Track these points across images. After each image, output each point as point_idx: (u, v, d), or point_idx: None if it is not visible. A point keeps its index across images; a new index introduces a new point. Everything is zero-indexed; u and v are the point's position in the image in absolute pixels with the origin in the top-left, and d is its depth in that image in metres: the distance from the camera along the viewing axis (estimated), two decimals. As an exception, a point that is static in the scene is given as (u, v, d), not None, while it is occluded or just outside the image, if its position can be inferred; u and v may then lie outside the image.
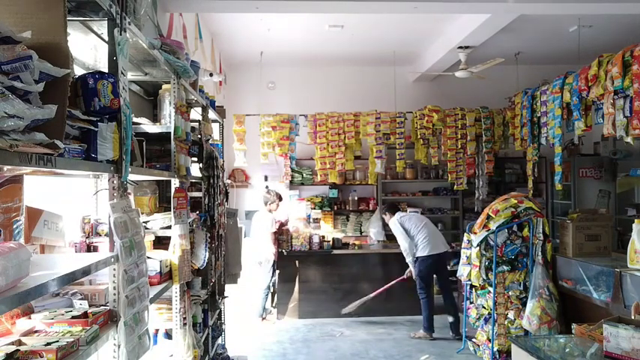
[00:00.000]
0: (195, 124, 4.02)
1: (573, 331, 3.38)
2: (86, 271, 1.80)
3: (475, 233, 5.32)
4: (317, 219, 8.38)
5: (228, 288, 5.38)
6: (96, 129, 1.89)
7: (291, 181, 8.23)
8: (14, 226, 1.85)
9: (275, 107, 7.93)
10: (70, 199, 2.60)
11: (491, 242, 5.20)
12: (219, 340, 4.93)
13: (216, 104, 5.13)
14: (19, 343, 1.68)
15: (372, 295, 6.73)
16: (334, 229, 8.50)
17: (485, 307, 5.35)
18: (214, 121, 4.92)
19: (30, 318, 1.89)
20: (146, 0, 2.62)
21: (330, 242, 7.30)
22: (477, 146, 7.75)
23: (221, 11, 6.04)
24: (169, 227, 3.13)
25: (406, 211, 7.72)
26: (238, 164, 7.64)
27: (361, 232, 8.55)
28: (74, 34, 2.27)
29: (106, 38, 2.13)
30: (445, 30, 7.05)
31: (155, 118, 3.49)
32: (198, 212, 3.88)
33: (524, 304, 5.06)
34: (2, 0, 1.66)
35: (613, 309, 4.11)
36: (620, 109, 4.66)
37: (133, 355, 2.07)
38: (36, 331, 1.81)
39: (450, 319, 6.23)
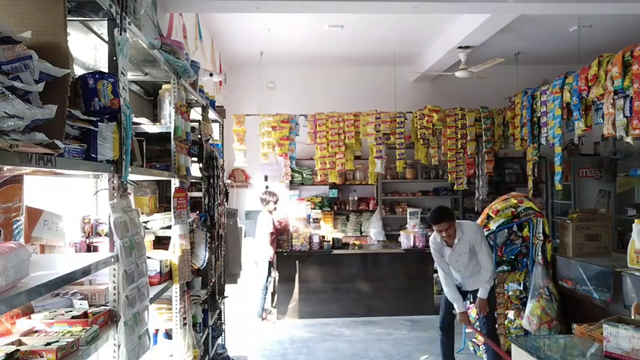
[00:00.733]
0: (195, 124, 4.02)
1: (573, 331, 3.38)
2: (86, 271, 1.80)
3: (475, 233, 5.32)
4: (317, 219, 8.37)
5: (228, 288, 5.38)
6: (96, 129, 1.89)
7: (291, 181, 8.23)
8: (14, 226, 1.85)
9: (275, 107, 7.93)
10: (70, 199, 2.60)
11: (492, 242, 5.20)
12: (219, 340, 4.93)
13: (216, 104, 5.13)
14: (19, 343, 1.68)
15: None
16: (334, 229, 8.50)
17: (485, 307, 5.34)
18: (214, 121, 4.92)
19: (30, 318, 1.89)
20: (146, 0, 2.62)
21: (330, 242, 7.29)
22: (477, 146, 7.75)
23: (221, 11, 6.04)
24: (169, 227, 3.13)
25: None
26: (238, 164, 7.64)
27: (361, 232, 8.55)
28: (74, 34, 2.27)
29: (106, 38, 2.13)
30: (445, 30, 7.05)
31: (155, 118, 3.49)
32: (198, 212, 3.88)
33: (524, 304, 5.05)
34: (2, 0, 1.66)
35: (613, 309, 4.11)
36: (620, 109, 4.66)
37: (133, 355, 2.07)
38: (36, 331, 1.81)
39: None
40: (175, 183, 3.20)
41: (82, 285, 2.23)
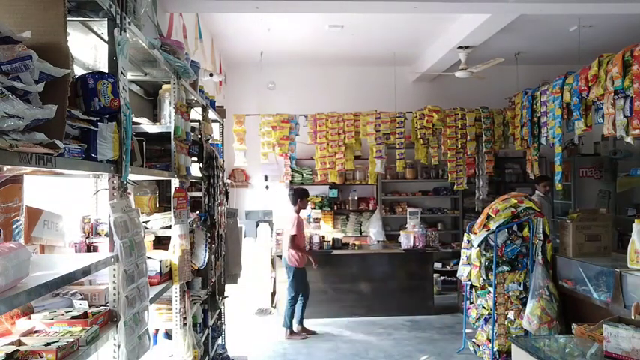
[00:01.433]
0: (195, 124, 4.02)
1: (573, 331, 3.38)
2: (86, 271, 1.80)
3: (475, 233, 5.32)
4: (317, 219, 8.37)
5: (228, 288, 5.38)
6: (96, 129, 1.89)
7: (291, 181, 8.23)
8: (14, 226, 1.84)
9: (275, 107, 7.93)
10: (70, 199, 2.60)
11: (492, 242, 5.20)
12: (219, 340, 4.93)
13: (216, 104, 5.13)
14: (19, 343, 1.68)
15: None
16: (334, 229, 8.50)
17: (485, 307, 5.35)
18: (214, 121, 4.92)
19: (30, 318, 1.89)
20: (146, 0, 2.62)
21: (330, 242, 7.29)
22: (477, 146, 7.75)
23: (221, 11, 6.04)
24: (169, 227, 3.13)
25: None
26: (238, 164, 7.64)
27: (361, 232, 8.55)
28: (74, 34, 2.27)
29: (106, 38, 2.13)
30: (445, 30, 7.05)
31: (155, 118, 3.49)
32: (198, 212, 3.88)
33: (524, 304, 5.05)
34: (2, 0, 1.66)
35: (613, 309, 4.10)
36: (620, 109, 4.66)
37: (133, 355, 2.07)
38: (36, 331, 1.81)
39: None
40: (175, 183, 3.21)
41: (82, 285, 2.23)
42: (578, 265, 4.86)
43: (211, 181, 4.09)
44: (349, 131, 7.55)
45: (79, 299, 2.09)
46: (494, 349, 5.16)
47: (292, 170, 8.09)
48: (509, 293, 5.21)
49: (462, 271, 5.49)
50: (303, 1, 5.35)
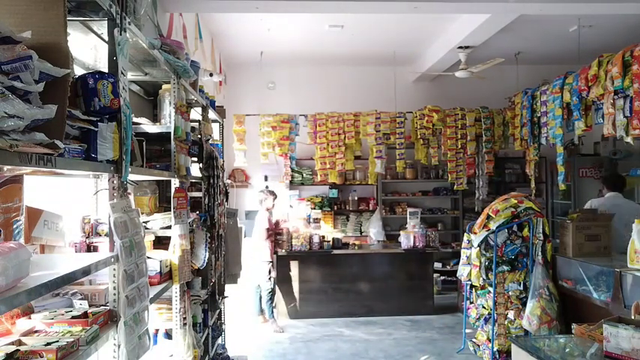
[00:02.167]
0: (195, 124, 4.02)
1: (573, 331, 3.38)
2: (86, 271, 1.80)
3: (475, 233, 5.32)
4: (317, 219, 8.37)
5: (228, 288, 5.38)
6: (96, 129, 1.89)
7: (291, 181, 8.24)
8: (14, 226, 1.84)
9: (275, 107, 7.93)
10: (70, 199, 2.60)
11: (492, 242, 5.20)
12: (219, 340, 4.93)
13: (216, 104, 5.13)
14: (19, 343, 1.68)
15: None
16: (334, 229, 8.50)
17: (485, 307, 5.35)
18: (214, 121, 4.92)
19: (30, 318, 1.89)
20: (146, 0, 2.62)
21: (330, 242, 7.29)
22: (477, 146, 7.75)
23: (221, 11, 6.04)
24: (169, 227, 3.13)
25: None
26: (238, 164, 7.64)
27: (361, 232, 8.55)
28: (74, 34, 2.27)
29: (106, 38, 2.13)
30: (445, 30, 7.05)
31: (155, 118, 3.49)
32: (198, 212, 3.88)
33: (524, 304, 5.05)
34: (2, 0, 1.66)
35: (613, 309, 4.10)
36: (620, 109, 4.66)
37: (133, 355, 2.07)
38: (36, 331, 1.81)
39: None
40: (175, 183, 3.21)
41: (82, 285, 2.23)
42: (578, 265, 4.86)
43: (211, 181, 4.09)
44: (349, 131, 7.55)
45: (79, 299, 2.09)
46: (494, 349, 5.16)
47: (292, 170, 8.09)
48: (509, 293, 5.21)
49: (462, 271, 5.49)
50: (303, 1, 5.35)
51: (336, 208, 8.71)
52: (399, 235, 7.45)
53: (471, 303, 5.55)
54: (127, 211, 2.16)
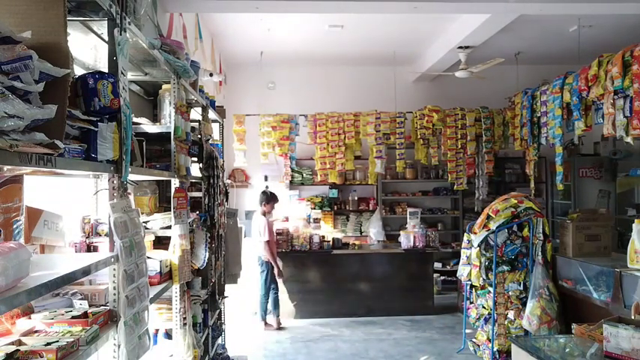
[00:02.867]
0: (195, 124, 4.02)
1: (573, 331, 3.38)
2: (86, 271, 1.80)
3: (475, 233, 5.32)
4: (317, 219, 8.37)
5: (228, 288, 5.38)
6: (96, 129, 1.89)
7: (291, 181, 8.24)
8: (14, 226, 1.84)
9: (275, 107, 7.93)
10: (70, 199, 2.59)
11: (492, 242, 5.20)
12: (219, 340, 4.93)
13: (216, 104, 5.13)
14: (19, 343, 1.68)
15: None
16: (334, 229, 8.50)
17: (485, 307, 5.35)
18: (214, 121, 4.92)
19: (30, 318, 1.89)
20: (146, 0, 2.62)
21: (330, 242, 7.29)
22: (477, 146, 7.75)
23: (221, 11, 6.04)
24: (169, 227, 3.13)
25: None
26: (238, 164, 7.64)
27: (361, 232, 8.55)
28: (74, 34, 2.27)
29: (106, 38, 2.13)
30: (445, 30, 7.05)
31: (155, 118, 3.49)
32: (198, 212, 3.88)
33: (524, 304, 5.05)
34: (2, 0, 1.66)
35: (613, 309, 4.10)
36: (620, 109, 4.66)
37: (133, 355, 2.07)
38: (36, 331, 1.81)
39: None
40: (175, 183, 3.21)
41: (82, 285, 2.23)
42: (578, 265, 4.86)
43: (211, 181, 4.09)
44: (349, 131, 7.55)
45: (79, 299, 2.09)
46: (494, 349, 5.16)
47: (292, 170, 8.09)
48: (509, 293, 5.21)
49: (462, 271, 5.49)
50: (303, 1, 5.35)
51: (336, 208, 8.71)
52: (399, 235, 7.46)
53: (471, 303, 5.55)
54: (127, 211, 2.16)
